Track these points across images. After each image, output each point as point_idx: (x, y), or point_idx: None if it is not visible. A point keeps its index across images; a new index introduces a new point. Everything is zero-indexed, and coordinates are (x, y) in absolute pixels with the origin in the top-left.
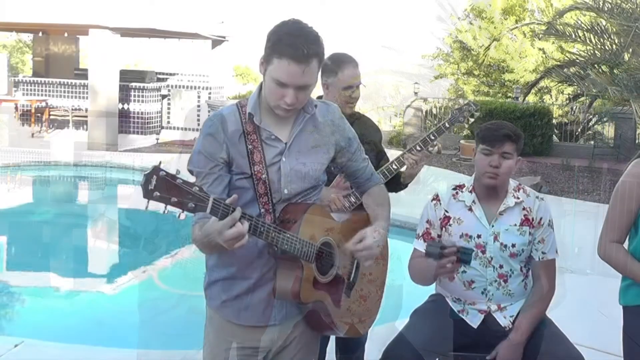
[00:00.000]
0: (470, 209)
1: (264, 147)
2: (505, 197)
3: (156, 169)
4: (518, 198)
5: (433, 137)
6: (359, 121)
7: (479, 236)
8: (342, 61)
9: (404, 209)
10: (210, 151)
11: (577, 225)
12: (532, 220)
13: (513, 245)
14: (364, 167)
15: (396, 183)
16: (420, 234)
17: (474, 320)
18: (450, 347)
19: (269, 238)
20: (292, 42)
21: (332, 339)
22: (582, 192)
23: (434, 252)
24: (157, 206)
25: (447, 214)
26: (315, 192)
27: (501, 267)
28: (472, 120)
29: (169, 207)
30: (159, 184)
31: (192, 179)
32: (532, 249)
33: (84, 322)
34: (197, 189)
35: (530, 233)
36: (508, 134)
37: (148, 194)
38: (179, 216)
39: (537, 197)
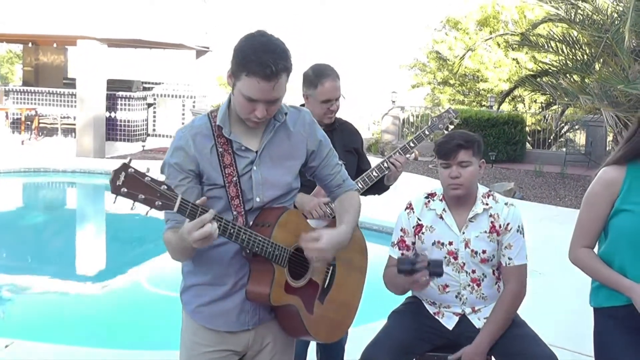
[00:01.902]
0: (441, 217)
1: (236, 158)
2: (474, 204)
3: (125, 166)
4: (487, 205)
5: (413, 144)
6: (340, 128)
7: (450, 243)
8: (322, 74)
9: (379, 213)
10: (180, 163)
11: (549, 229)
12: (499, 227)
13: (484, 252)
14: (337, 172)
15: (379, 187)
16: (395, 242)
17: (449, 323)
18: (427, 348)
19: (239, 240)
20: (261, 59)
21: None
22: (554, 198)
23: (406, 269)
24: (145, 210)
25: (419, 222)
26: (289, 199)
27: (474, 272)
28: (451, 127)
29: (137, 204)
30: (127, 181)
31: (162, 177)
32: (500, 255)
33: (74, 323)
34: (165, 187)
35: (497, 240)
36: (459, 143)
37: (116, 190)
38: (146, 213)
39: (505, 204)
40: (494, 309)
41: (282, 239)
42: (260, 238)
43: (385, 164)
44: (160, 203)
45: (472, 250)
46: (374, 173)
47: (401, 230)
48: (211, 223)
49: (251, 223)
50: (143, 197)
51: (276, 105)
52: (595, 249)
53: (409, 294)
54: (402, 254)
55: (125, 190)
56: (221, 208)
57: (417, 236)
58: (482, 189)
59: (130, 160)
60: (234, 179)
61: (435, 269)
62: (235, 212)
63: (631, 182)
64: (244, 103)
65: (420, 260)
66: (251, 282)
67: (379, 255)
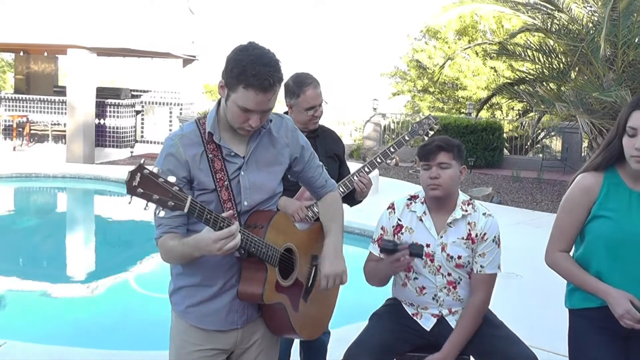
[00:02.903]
0: (420, 220)
1: (225, 163)
2: (454, 210)
3: (141, 167)
4: (466, 211)
5: (393, 150)
6: (323, 134)
7: (427, 245)
8: (303, 83)
9: (362, 217)
10: (172, 170)
11: (526, 233)
12: (476, 235)
13: (459, 257)
14: (319, 174)
15: (351, 198)
16: (375, 239)
17: (427, 324)
18: (407, 348)
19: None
20: (258, 72)
21: (297, 340)
22: (531, 202)
23: (389, 247)
24: (133, 214)
25: (400, 223)
26: (273, 202)
27: (449, 274)
28: (431, 133)
29: (150, 204)
30: (143, 181)
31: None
32: (472, 262)
33: (65, 324)
34: (177, 188)
35: (472, 248)
36: (440, 145)
37: (132, 190)
38: (158, 213)
39: (484, 214)
40: (460, 319)
41: (274, 240)
42: (256, 239)
43: (355, 178)
44: (172, 203)
45: (447, 255)
46: (341, 188)
47: (381, 228)
48: (236, 235)
49: (243, 225)
50: (157, 197)
51: (268, 114)
52: (571, 253)
53: (389, 295)
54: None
55: (141, 190)
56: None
57: (396, 236)
58: (463, 196)
59: (144, 161)
60: (225, 183)
61: (415, 250)
62: None
63: (608, 188)
64: (239, 113)
65: (401, 242)
66: (243, 282)
67: (361, 257)
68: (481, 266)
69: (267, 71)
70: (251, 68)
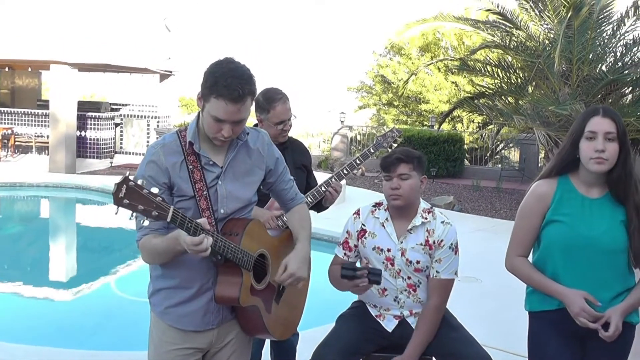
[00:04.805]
0: (383, 225)
1: (204, 172)
2: (415, 217)
3: (126, 179)
4: (425, 219)
5: (359, 162)
6: (292, 146)
7: (388, 250)
8: (273, 99)
9: (330, 225)
10: (154, 176)
11: (486, 239)
12: (433, 242)
13: (417, 262)
14: (290, 187)
15: (319, 205)
16: (341, 243)
17: (389, 325)
18: (372, 349)
19: (215, 247)
20: (229, 84)
21: (267, 342)
22: (490, 210)
23: (349, 275)
24: (113, 221)
25: (363, 227)
26: (247, 211)
27: (409, 278)
28: (395, 145)
29: (135, 214)
30: (128, 193)
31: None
32: (429, 267)
33: (47, 326)
34: (160, 199)
35: (429, 253)
36: (399, 157)
37: (118, 201)
38: (142, 222)
39: (442, 222)
40: (418, 322)
41: (248, 246)
42: (232, 245)
43: (323, 188)
44: (156, 213)
45: (407, 260)
46: (309, 199)
47: (347, 232)
48: (207, 238)
49: (219, 232)
50: (142, 208)
51: (241, 125)
52: (530, 258)
53: (355, 297)
54: (345, 254)
55: (127, 201)
56: (191, 217)
57: (360, 240)
58: (424, 204)
59: (129, 174)
60: (204, 192)
61: (373, 277)
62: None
63: (562, 195)
64: (212, 123)
65: (360, 268)
66: (219, 286)
67: (328, 262)
68: (437, 271)
69: (237, 83)
70: (223, 80)
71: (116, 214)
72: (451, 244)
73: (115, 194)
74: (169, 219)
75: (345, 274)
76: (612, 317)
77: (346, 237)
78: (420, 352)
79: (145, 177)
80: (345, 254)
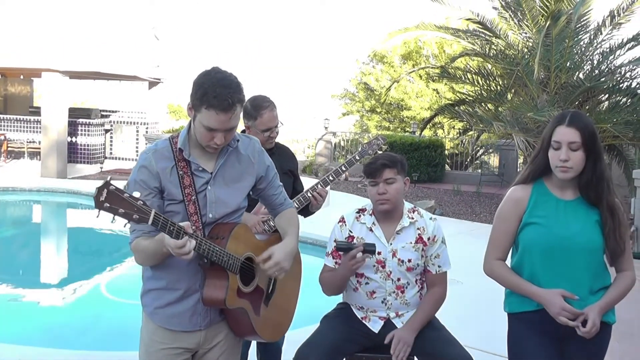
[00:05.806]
0: (371, 230)
1: (194, 178)
2: (401, 218)
3: (107, 183)
4: (413, 219)
5: (344, 168)
6: (279, 152)
7: (379, 253)
8: (260, 107)
9: (314, 228)
10: (145, 180)
11: (466, 242)
12: (428, 239)
13: (409, 261)
14: (279, 192)
15: (306, 210)
16: (329, 252)
17: (375, 326)
18: (356, 349)
19: (200, 250)
20: (218, 94)
21: (253, 343)
22: (470, 214)
23: (343, 246)
24: (103, 225)
25: (351, 234)
26: (237, 215)
27: (399, 279)
28: (379, 152)
29: (117, 217)
30: (109, 197)
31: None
32: (429, 264)
33: (38, 327)
34: (141, 202)
35: (423, 249)
36: (384, 162)
37: (99, 205)
38: (125, 225)
39: (430, 218)
40: (424, 300)
41: (235, 250)
42: (217, 249)
43: (309, 194)
44: (137, 216)
45: (399, 260)
46: (296, 204)
47: (334, 241)
48: (189, 241)
49: (206, 236)
50: (123, 211)
51: (232, 133)
52: (508, 261)
53: (340, 299)
54: (336, 263)
55: (108, 205)
56: (178, 221)
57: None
58: (407, 205)
59: (111, 178)
60: (193, 197)
61: (368, 247)
62: (193, 227)
63: (537, 198)
64: (204, 132)
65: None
66: (207, 288)
67: (314, 265)
68: (439, 266)
69: (227, 93)
70: (212, 90)
71: (97, 217)
72: (442, 238)
73: (96, 197)
74: (150, 222)
75: (341, 247)
76: (590, 314)
77: (334, 246)
78: (419, 328)
79: (137, 181)
80: (336, 262)
